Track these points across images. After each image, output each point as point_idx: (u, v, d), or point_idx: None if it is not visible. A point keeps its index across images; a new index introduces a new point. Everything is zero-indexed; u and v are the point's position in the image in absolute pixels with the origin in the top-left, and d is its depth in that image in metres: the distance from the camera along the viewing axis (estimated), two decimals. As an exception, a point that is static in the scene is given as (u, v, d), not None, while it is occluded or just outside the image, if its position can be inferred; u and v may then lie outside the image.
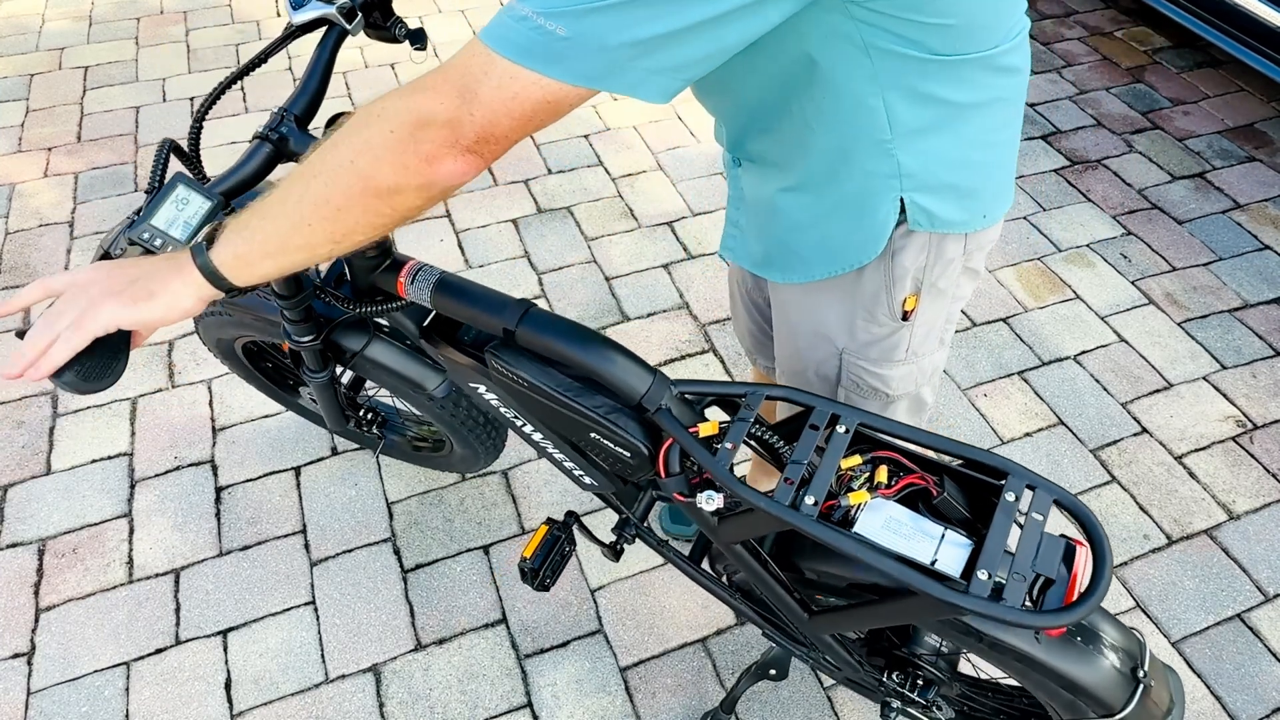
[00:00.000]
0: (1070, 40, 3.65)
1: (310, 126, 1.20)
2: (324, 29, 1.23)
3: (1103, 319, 2.51)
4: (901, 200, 1.04)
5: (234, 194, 1.09)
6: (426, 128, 0.77)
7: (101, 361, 0.93)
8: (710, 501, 1.04)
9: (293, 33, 1.21)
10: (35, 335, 0.90)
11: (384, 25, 1.28)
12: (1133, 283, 2.61)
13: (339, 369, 1.61)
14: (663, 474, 1.11)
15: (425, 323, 1.31)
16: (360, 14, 1.23)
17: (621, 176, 2.95)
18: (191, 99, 3.23)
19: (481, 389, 1.30)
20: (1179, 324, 2.50)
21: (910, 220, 1.06)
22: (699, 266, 2.64)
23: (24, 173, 2.90)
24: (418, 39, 1.30)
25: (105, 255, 1.03)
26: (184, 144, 1.20)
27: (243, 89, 3.27)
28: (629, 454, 1.13)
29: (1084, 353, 2.42)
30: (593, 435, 1.15)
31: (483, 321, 1.18)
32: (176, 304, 0.90)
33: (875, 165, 1.01)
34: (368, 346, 1.51)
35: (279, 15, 3.66)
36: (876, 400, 1.29)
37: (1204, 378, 2.36)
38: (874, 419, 1.02)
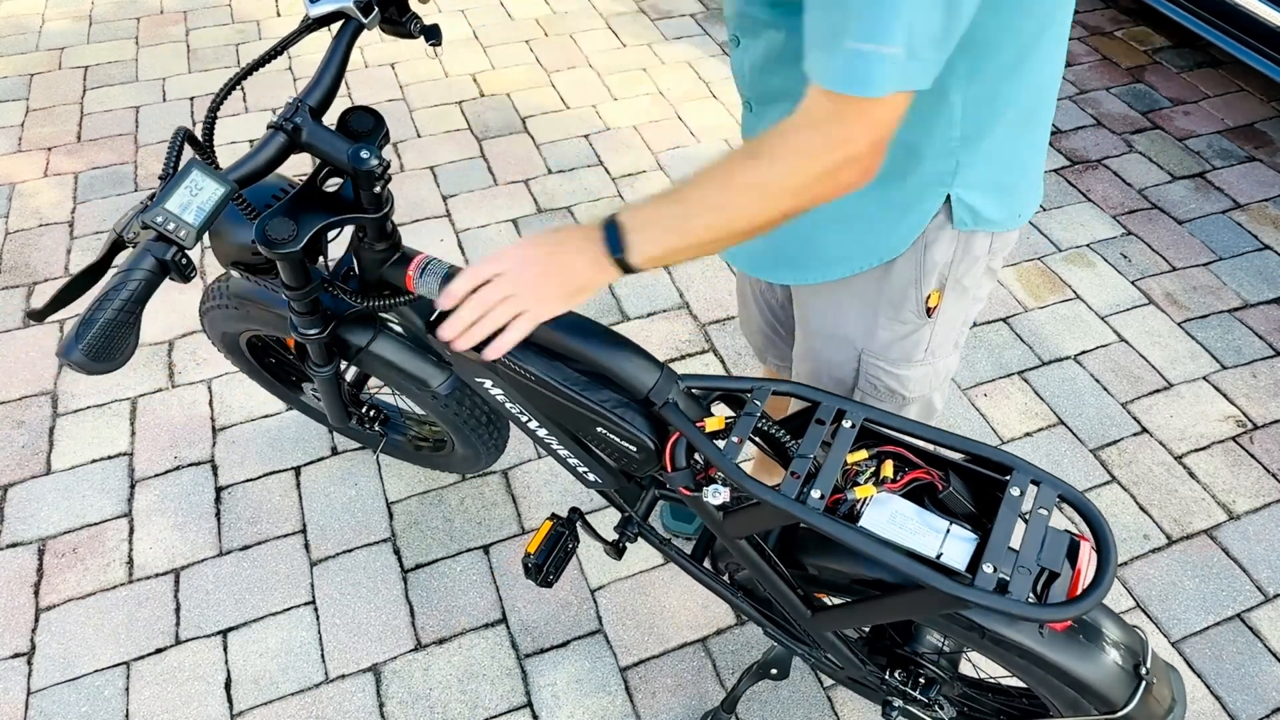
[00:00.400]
0: (1070, 40, 3.66)
1: (324, 119, 1.20)
2: (340, 23, 1.23)
3: (1103, 319, 2.51)
4: (948, 196, 1.04)
5: (247, 181, 1.09)
6: (840, 171, 0.87)
7: (114, 341, 0.93)
8: (717, 495, 1.04)
9: (310, 25, 1.22)
10: (469, 313, 0.99)
11: (400, 20, 1.28)
12: (1133, 283, 2.62)
13: (343, 364, 1.61)
14: (669, 469, 1.11)
15: (433, 317, 1.31)
16: (377, 8, 1.23)
17: (621, 176, 2.95)
18: (191, 99, 3.22)
19: (488, 384, 1.30)
20: (1179, 324, 2.50)
21: (955, 219, 1.06)
22: (699, 266, 2.64)
23: (24, 172, 2.89)
24: (433, 35, 1.31)
25: (118, 239, 1.03)
26: (199, 133, 1.20)
27: (243, 89, 3.27)
28: (635, 448, 1.13)
29: (1084, 353, 2.42)
30: (599, 430, 1.15)
31: None
32: (590, 295, 1.02)
33: (937, 164, 1.02)
34: (373, 341, 1.51)
35: (279, 15, 3.66)
36: (892, 402, 1.28)
37: (1204, 378, 2.36)
38: (880, 414, 1.02)
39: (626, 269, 0.96)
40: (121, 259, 0.99)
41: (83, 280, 1.01)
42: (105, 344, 0.92)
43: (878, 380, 1.26)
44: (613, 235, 0.96)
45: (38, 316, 1.02)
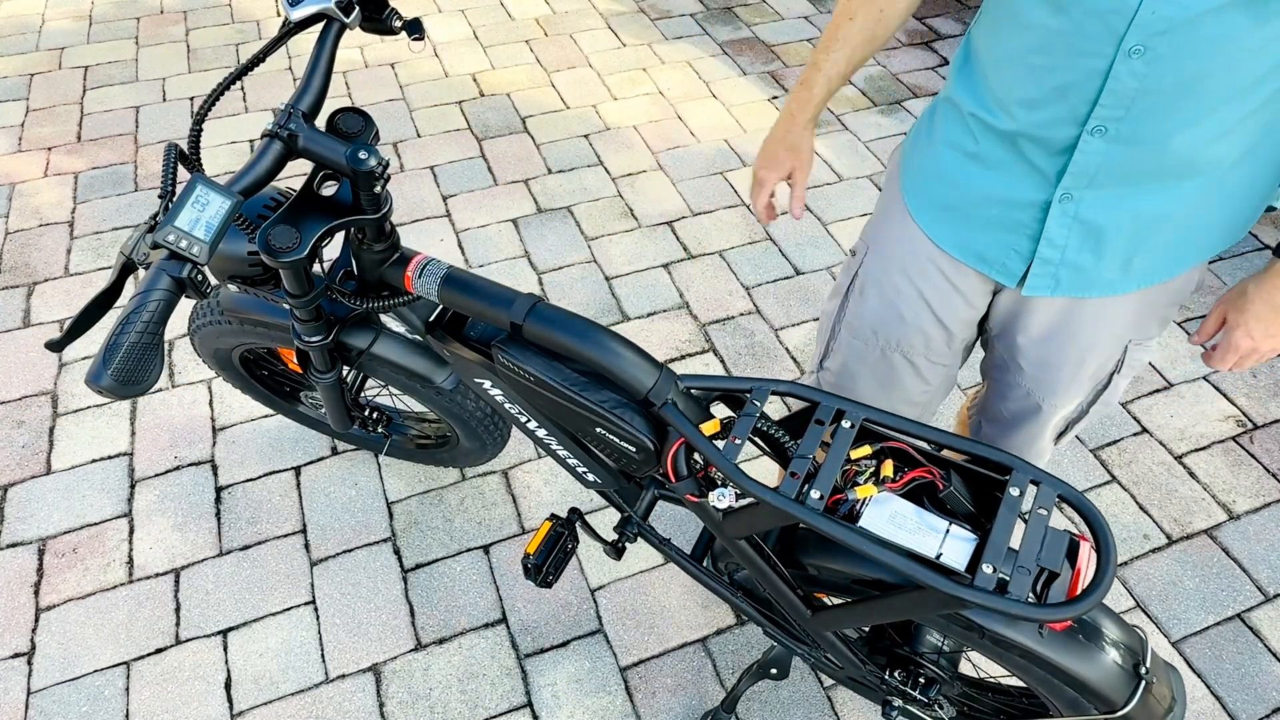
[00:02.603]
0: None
1: (316, 121, 1.20)
2: (322, 24, 1.23)
3: (1102, 319, 2.51)
4: None
5: (250, 192, 1.09)
6: None
7: (141, 363, 0.94)
8: (722, 500, 1.05)
9: (291, 29, 1.21)
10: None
11: (379, 17, 1.28)
12: (1132, 283, 2.62)
13: (345, 369, 1.60)
14: (672, 477, 1.11)
15: (431, 318, 1.31)
16: (358, 7, 1.23)
17: (621, 176, 2.95)
18: (191, 99, 3.23)
19: (487, 384, 1.30)
20: (1179, 324, 2.50)
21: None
22: (699, 266, 2.64)
23: (24, 172, 2.89)
24: (414, 29, 1.30)
25: (128, 261, 1.03)
26: (185, 147, 1.20)
27: (242, 89, 3.27)
28: (634, 449, 1.13)
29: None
30: (598, 430, 1.15)
31: (490, 316, 1.18)
32: None
33: None
34: (374, 343, 1.50)
35: (279, 15, 3.66)
36: (1130, 374, 1.32)
37: (1204, 377, 2.36)
38: (879, 414, 1.02)
39: None
40: (132, 281, 1.00)
41: (97, 306, 1.01)
42: (133, 367, 0.93)
43: (1138, 361, 1.29)
44: None
45: (56, 347, 1.02)
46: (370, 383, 2.10)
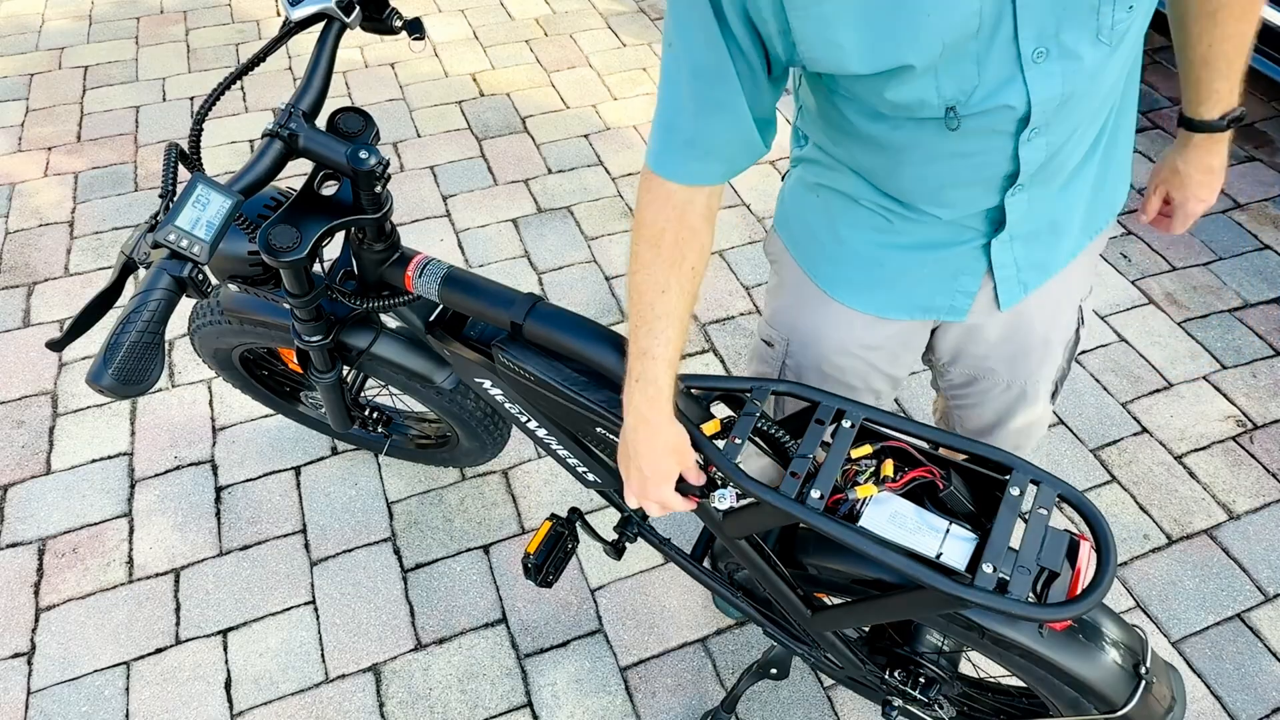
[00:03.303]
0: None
1: (316, 121, 1.20)
2: (322, 24, 1.23)
3: (1103, 318, 2.51)
4: None
5: (250, 191, 1.09)
6: None
7: (141, 362, 0.94)
8: (723, 500, 1.04)
9: (291, 29, 1.21)
10: None
11: (379, 17, 1.28)
12: (1133, 282, 2.62)
13: (344, 369, 1.60)
14: None
15: (431, 318, 1.31)
16: (358, 7, 1.23)
17: (621, 176, 2.95)
18: (191, 99, 3.23)
19: (487, 384, 1.30)
20: (1179, 324, 2.50)
21: None
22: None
23: (24, 172, 2.89)
24: (415, 29, 1.30)
25: (128, 261, 1.03)
26: (185, 147, 1.20)
27: (242, 88, 3.27)
28: (633, 449, 1.13)
29: (1084, 352, 2.42)
30: (598, 430, 1.15)
31: (490, 316, 1.18)
32: None
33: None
34: (374, 343, 1.50)
35: (279, 14, 3.66)
36: (1086, 326, 1.32)
37: (1204, 377, 2.36)
38: (879, 414, 1.02)
39: None
40: (132, 280, 1.00)
41: (98, 306, 1.01)
42: (133, 366, 0.93)
43: (1086, 314, 1.30)
44: (1228, 121, 1.12)
45: (57, 346, 1.02)
46: (370, 383, 2.10)
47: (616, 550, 1.50)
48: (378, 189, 1.15)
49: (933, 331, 1.27)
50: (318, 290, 1.29)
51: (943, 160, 0.97)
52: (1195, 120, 1.16)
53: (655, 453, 1.05)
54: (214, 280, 1.60)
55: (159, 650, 1.80)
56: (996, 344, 1.25)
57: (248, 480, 2.09)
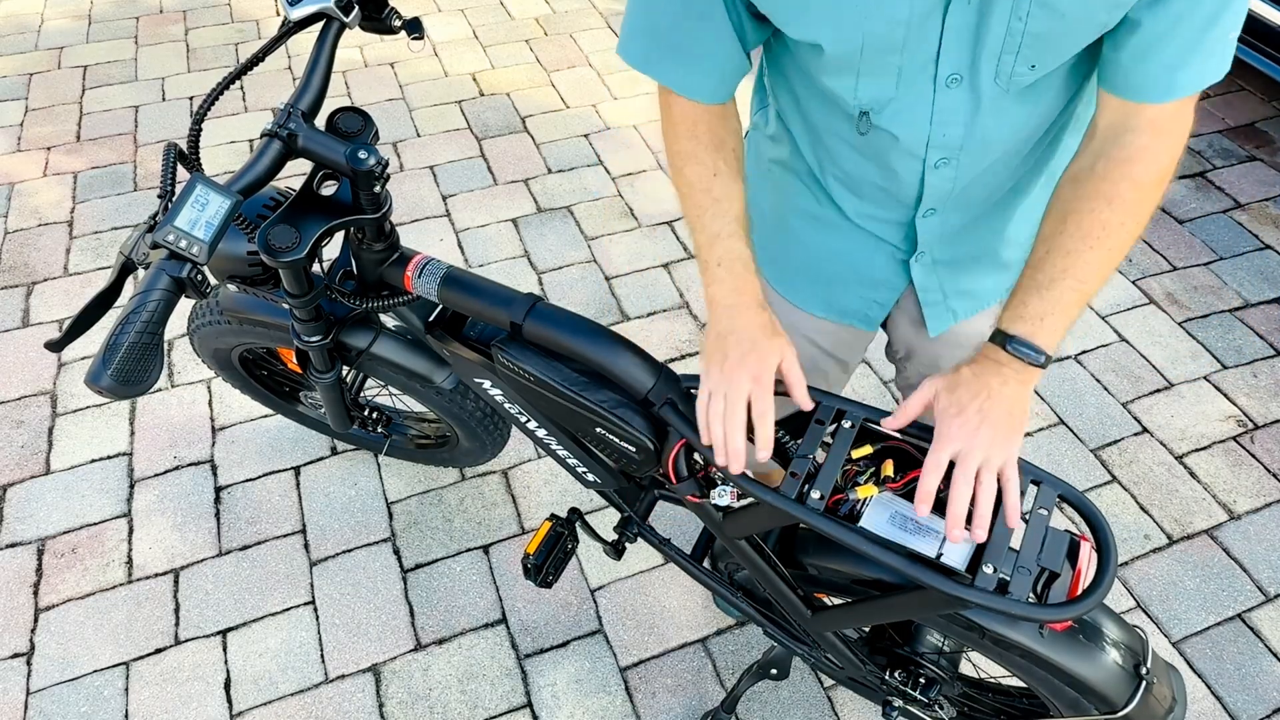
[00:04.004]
0: (1069, 41, 3.65)
1: (315, 121, 1.19)
2: (322, 24, 1.23)
3: (1103, 318, 2.51)
4: None
5: (249, 192, 1.09)
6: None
7: (140, 363, 0.93)
8: (722, 497, 1.04)
9: (290, 29, 1.21)
10: (962, 504, 0.88)
11: (379, 16, 1.27)
12: (1133, 282, 2.61)
13: (344, 370, 1.60)
14: (672, 478, 1.11)
15: (431, 318, 1.31)
16: (357, 7, 1.23)
17: (621, 176, 2.95)
18: (191, 98, 3.22)
19: (486, 384, 1.29)
20: (1179, 324, 2.50)
21: None
22: (697, 266, 2.63)
23: (23, 172, 2.89)
24: (414, 28, 1.30)
25: (127, 261, 1.03)
26: (184, 147, 1.20)
27: (242, 88, 3.27)
28: (634, 449, 1.13)
29: (1084, 352, 2.42)
30: (598, 430, 1.15)
31: (489, 316, 1.17)
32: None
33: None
34: (374, 343, 1.50)
35: (278, 14, 3.66)
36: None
37: (1205, 377, 2.36)
38: (878, 414, 1.01)
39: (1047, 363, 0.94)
40: (132, 280, 1.00)
41: (96, 306, 1.01)
42: (133, 367, 0.93)
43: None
44: (1023, 348, 0.91)
45: (56, 347, 1.02)
46: (370, 383, 2.10)
47: (616, 550, 1.50)
48: (377, 189, 1.15)
49: (885, 328, 1.32)
50: (317, 290, 1.29)
51: (858, 157, 1.04)
52: (996, 330, 0.95)
53: (752, 328, 0.96)
54: (213, 280, 1.59)
55: (158, 650, 1.80)
56: (949, 344, 1.28)
57: (247, 480, 2.09)
